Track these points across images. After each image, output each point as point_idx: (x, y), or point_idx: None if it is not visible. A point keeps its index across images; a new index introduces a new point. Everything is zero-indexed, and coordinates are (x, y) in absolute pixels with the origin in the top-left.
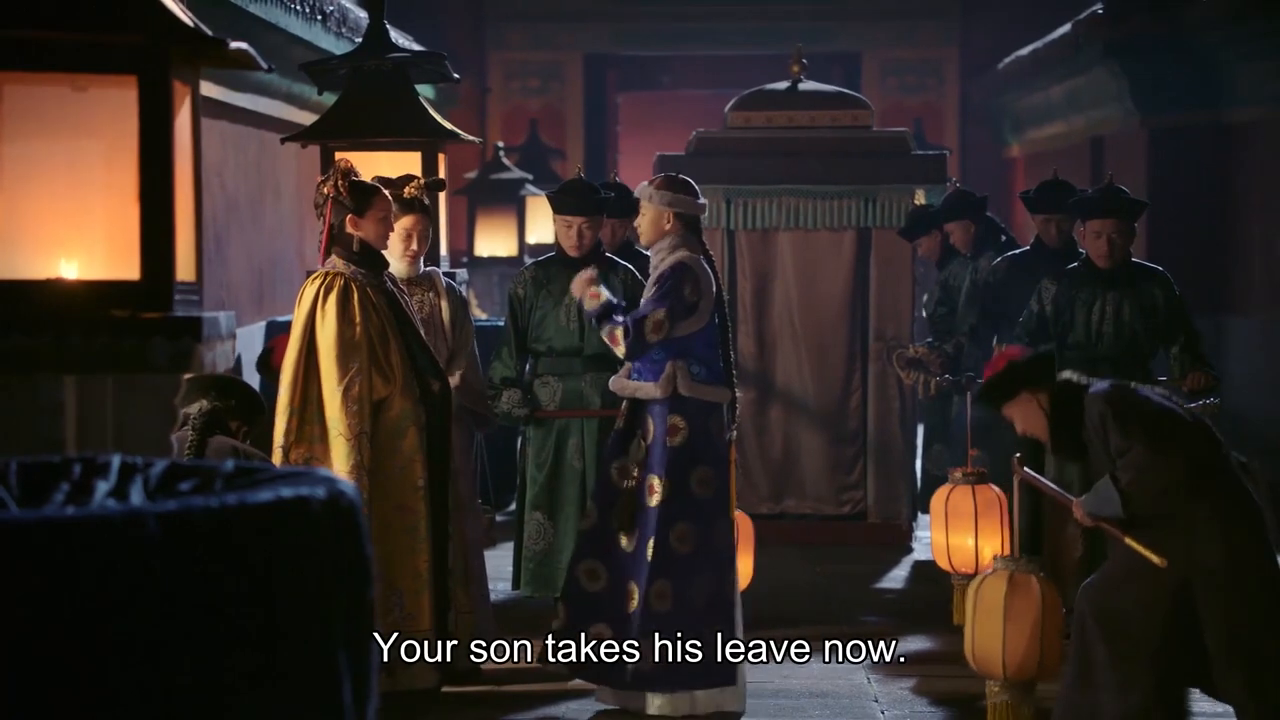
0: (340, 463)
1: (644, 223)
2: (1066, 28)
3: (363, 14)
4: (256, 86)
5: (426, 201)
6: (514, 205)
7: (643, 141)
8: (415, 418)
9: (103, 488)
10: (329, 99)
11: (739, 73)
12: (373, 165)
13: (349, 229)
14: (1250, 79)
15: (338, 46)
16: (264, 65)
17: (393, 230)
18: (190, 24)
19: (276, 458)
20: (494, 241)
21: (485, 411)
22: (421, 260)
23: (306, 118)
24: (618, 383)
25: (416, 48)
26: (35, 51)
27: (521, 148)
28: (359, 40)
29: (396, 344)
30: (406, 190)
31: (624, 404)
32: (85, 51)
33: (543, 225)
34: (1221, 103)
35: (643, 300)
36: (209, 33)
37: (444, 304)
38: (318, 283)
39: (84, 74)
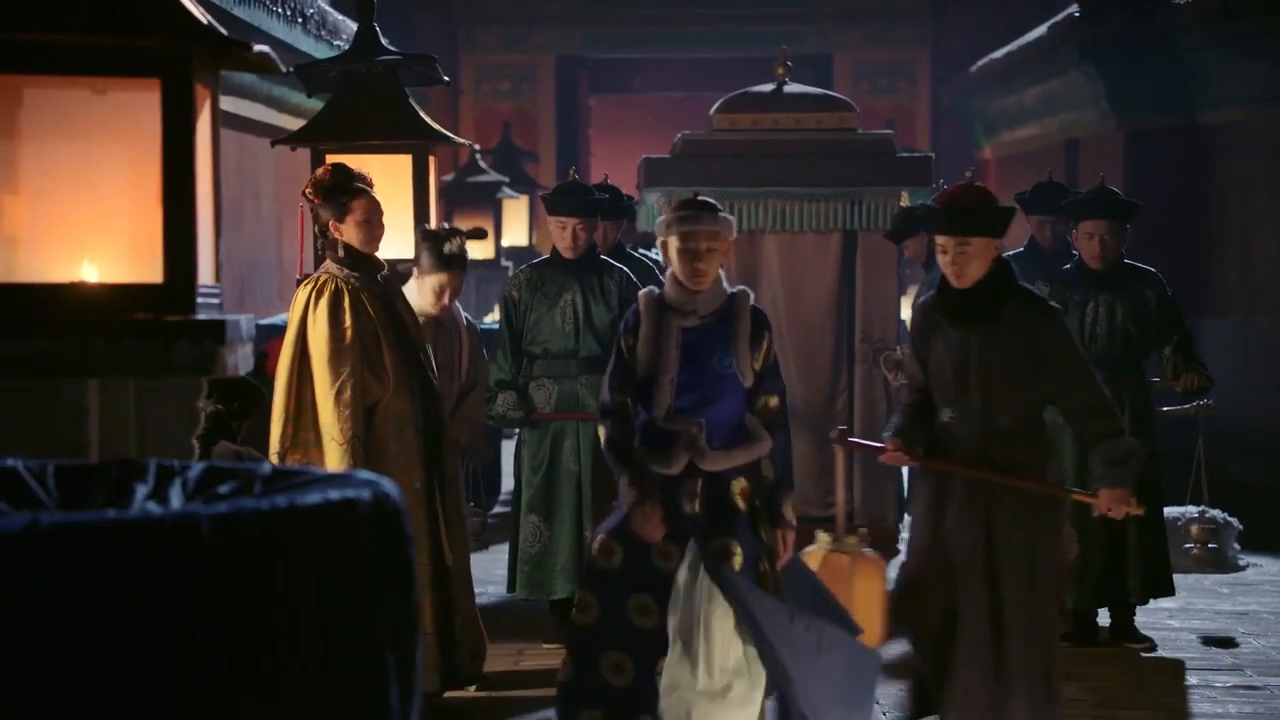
0: (334, 468)
1: (717, 260)
2: (1042, 30)
3: (341, 17)
4: (236, 89)
5: (466, 257)
6: (490, 208)
7: (614, 144)
8: (412, 420)
9: (141, 490)
10: (308, 102)
11: (711, 76)
12: (363, 168)
13: (333, 234)
14: (1226, 81)
15: (317, 49)
16: (283, 68)
17: (378, 231)
18: (213, 27)
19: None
20: (470, 244)
21: (483, 445)
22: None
23: (286, 120)
24: (721, 459)
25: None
26: (58, 55)
27: (494, 150)
28: (339, 43)
29: (389, 346)
30: (447, 247)
31: (700, 482)
32: (108, 54)
33: (518, 228)
34: (1197, 105)
35: (768, 365)
36: (225, 35)
37: (465, 344)
38: (309, 287)
39: (107, 77)
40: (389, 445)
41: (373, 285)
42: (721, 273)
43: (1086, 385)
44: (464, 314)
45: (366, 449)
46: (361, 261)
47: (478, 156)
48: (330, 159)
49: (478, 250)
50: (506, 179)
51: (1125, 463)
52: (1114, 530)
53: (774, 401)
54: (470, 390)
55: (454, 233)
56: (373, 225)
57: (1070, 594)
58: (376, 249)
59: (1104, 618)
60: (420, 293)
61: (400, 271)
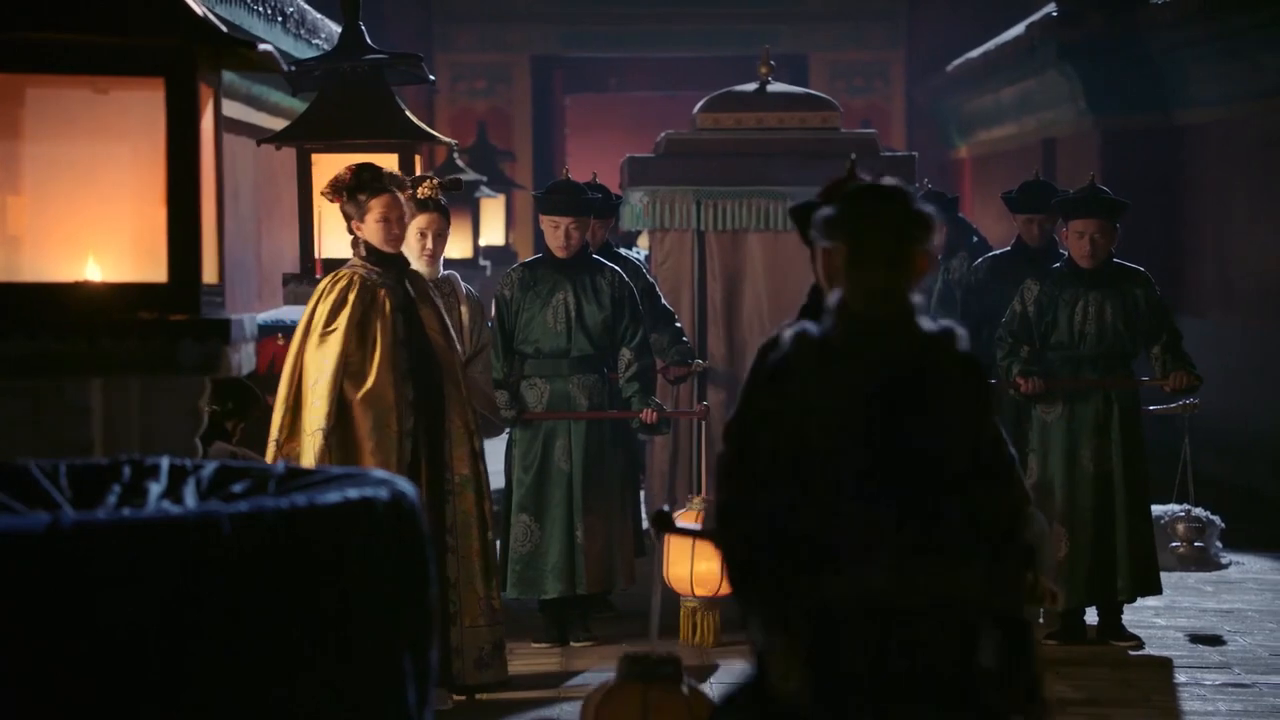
0: (306, 459)
1: (915, 272)
2: (1020, 30)
3: (319, 15)
4: None
5: (443, 200)
6: (468, 207)
7: (590, 143)
8: (396, 420)
9: (155, 489)
10: (287, 101)
11: (687, 76)
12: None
13: (355, 232)
14: (1203, 81)
15: (297, 48)
16: (285, 67)
17: (397, 230)
18: (216, 26)
19: (270, 451)
20: (449, 243)
21: (492, 416)
22: (441, 262)
23: (265, 119)
24: (933, 585)
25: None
26: (62, 54)
27: (470, 149)
28: (317, 41)
29: (391, 343)
30: (420, 190)
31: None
32: (113, 54)
33: (495, 227)
34: (1174, 104)
35: (989, 438)
36: (229, 34)
37: (463, 308)
38: (324, 280)
39: (111, 76)
40: (365, 442)
41: (393, 283)
42: (916, 301)
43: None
44: (463, 284)
45: (344, 442)
46: (383, 259)
47: (455, 156)
48: (315, 158)
49: (455, 249)
50: (484, 178)
51: (1043, 546)
52: (1103, 529)
53: (1002, 496)
54: (475, 357)
55: (425, 177)
56: (391, 224)
57: (1060, 592)
58: (397, 248)
59: (1091, 616)
60: (408, 250)
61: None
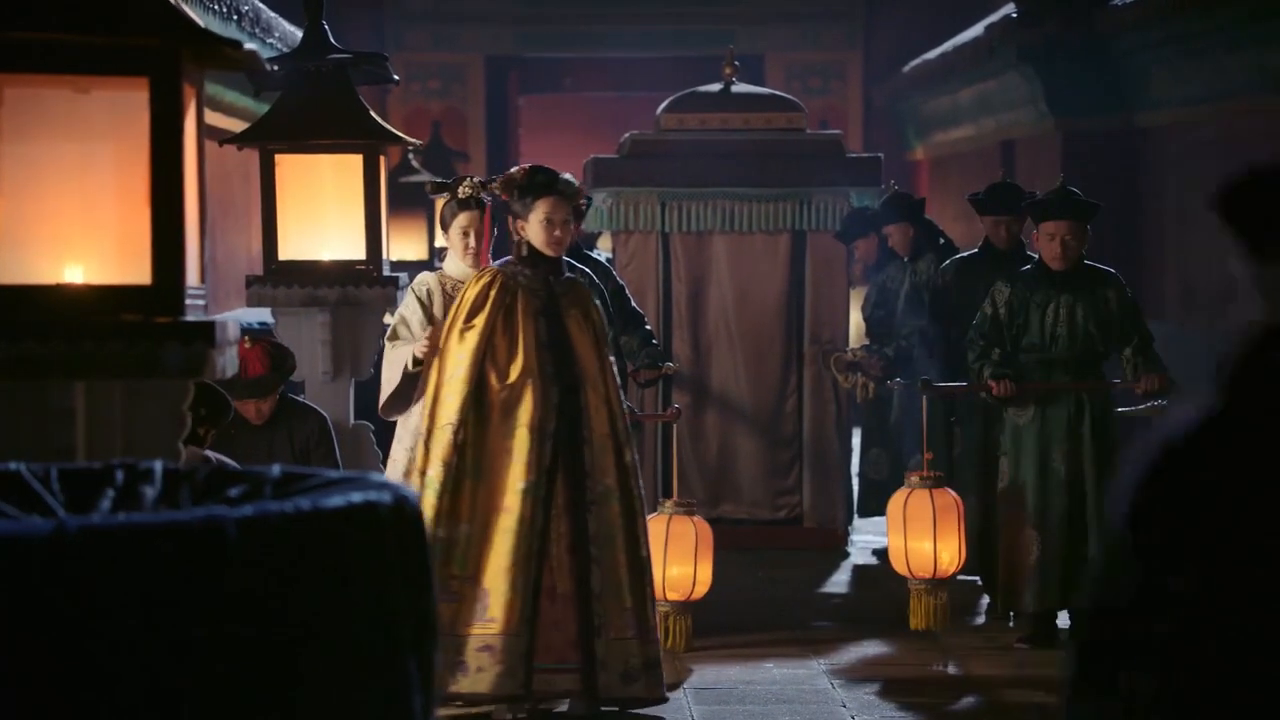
0: (435, 451)
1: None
2: (979, 30)
3: (274, 14)
4: None
5: (485, 200)
6: (423, 208)
7: (544, 144)
8: (532, 422)
9: (149, 493)
10: (242, 100)
11: (642, 76)
12: (313, 167)
13: (518, 232)
14: (1164, 82)
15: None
16: (268, 66)
17: (560, 234)
18: (200, 25)
19: (419, 443)
20: (404, 245)
21: None
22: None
23: (220, 119)
24: None
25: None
26: (44, 53)
27: (424, 150)
28: (272, 41)
29: (530, 346)
30: (460, 189)
31: None
32: (96, 53)
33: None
34: (1136, 106)
35: None
36: (214, 33)
37: None
38: (476, 276)
39: (93, 76)
40: (500, 442)
41: (539, 286)
42: None
43: None
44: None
45: (479, 440)
46: (538, 261)
47: (410, 156)
48: (279, 158)
49: (410, 251)
50: (439, 179)
51: None
52: (1075, 532)
53: None
54: None
55: (464, 178)
56: (554, 226)
57: (1032, 595)
58: (557, 251)
59: (1063, 619)
60: (452, 251)
61: (362, 271)
